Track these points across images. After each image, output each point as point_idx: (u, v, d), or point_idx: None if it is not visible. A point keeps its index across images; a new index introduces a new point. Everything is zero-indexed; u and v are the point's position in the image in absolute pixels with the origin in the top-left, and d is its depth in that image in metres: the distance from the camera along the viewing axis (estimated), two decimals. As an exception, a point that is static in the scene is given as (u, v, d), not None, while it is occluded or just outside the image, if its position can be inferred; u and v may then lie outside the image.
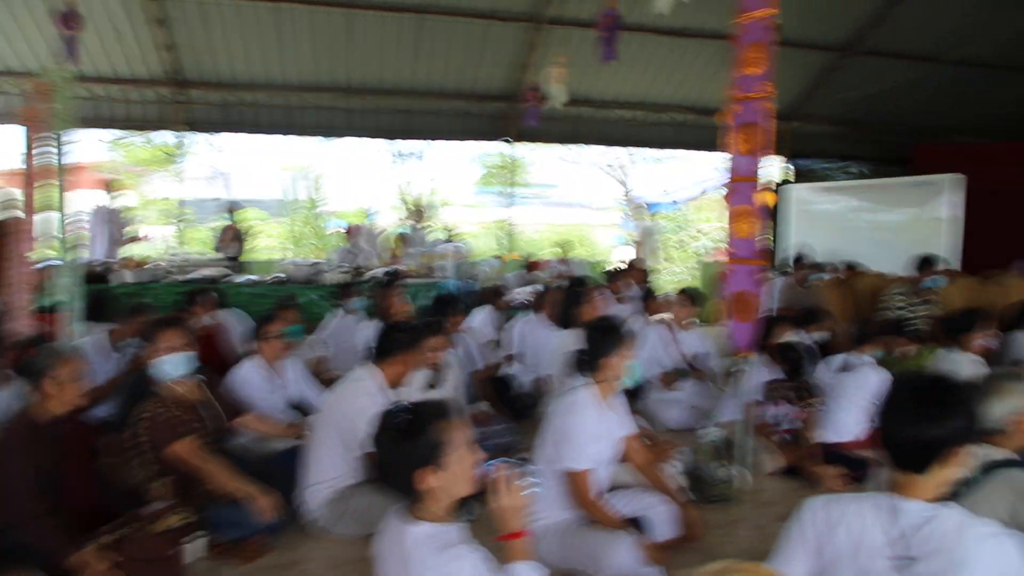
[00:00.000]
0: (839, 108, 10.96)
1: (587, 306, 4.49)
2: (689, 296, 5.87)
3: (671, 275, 14.19)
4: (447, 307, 5.09)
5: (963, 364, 4.49)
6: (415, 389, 3.78)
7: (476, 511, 3.23)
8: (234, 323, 6.04)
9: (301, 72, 9.32)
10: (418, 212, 11.15)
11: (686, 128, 11.21)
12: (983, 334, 4.82)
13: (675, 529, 3.23)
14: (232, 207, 9.38)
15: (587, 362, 3.05)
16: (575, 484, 2.93)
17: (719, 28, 8.30)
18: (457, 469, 1.92)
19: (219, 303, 6.07)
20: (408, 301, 6.16)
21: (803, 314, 5.98)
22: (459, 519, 2.03)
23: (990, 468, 2.39)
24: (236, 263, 8.67)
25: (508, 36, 9.20)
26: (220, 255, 8.62)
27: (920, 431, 1.70)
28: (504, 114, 10.47)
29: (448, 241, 10.05)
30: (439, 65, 9.52)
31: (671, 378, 5.47)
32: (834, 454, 4.33)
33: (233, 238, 9.08)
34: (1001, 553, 1.62)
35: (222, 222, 9.45)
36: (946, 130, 12.11)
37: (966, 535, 1.65)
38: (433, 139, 11.88)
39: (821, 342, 5.92)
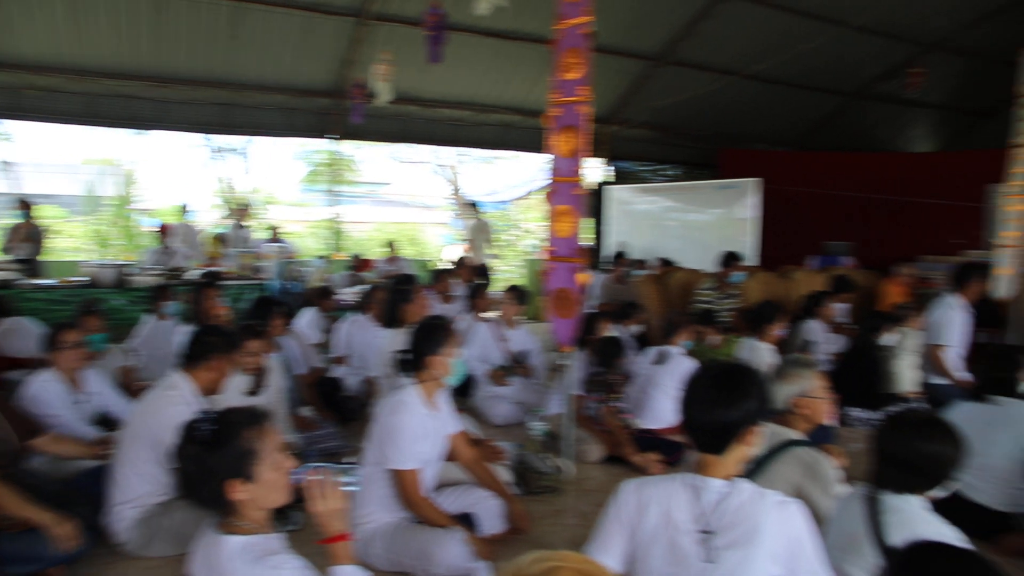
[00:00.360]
0: (654, 114, 11.62)
1: (413, 305, 4.46)
2: (516, 294, 6.00)
3: (500, 273, 14.46)
4: (268, 309, 4.87)
5: (762, 352, 4.91)
6: (232, 396, 3.59)
7: (300, 519, 3.14)
8: (27, 332, 5.47)
9: (102, 56, 8.52)
10: (240, 210, 10.60)
11: (512, 129, 11.45)
12: (779, 324, 5.31)
13: (503, 523, 3.29)
14: (25, 203, 8.45)
15: (411, 361, 3.03)
16: (402, 484, 2.91)
17: (541, 32, 8.53)
18: (269, 478, 1.83)
19: (8, 310, 5.51)
20: (226, 304, 5.85)
21: (620, 309, 6.31)
22: (280, 529, 1.95)
23: (781, 447, 2.63)
24: (30, 265, 7.84)
25: (332, 30, 8.95)
26: (10, 257, 7.78)
27: (718, 415, 1.83)
28: (329, 110, 10.18)
29: (272, 240, 9.66)
30: (258, 57, 9.08)
31: (500, 374, 5.58)
32: (651, 440, 4.60)
33: (26, 238, 8.19)
34: (788, 518, 1.79)
35: (12, 220, 8.50)
36: (746, 137, 13.22)
37: (757, 506, 1.80)
38: (254, 134, 11.31)
39: (637, 334, 6.29)
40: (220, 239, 9.31)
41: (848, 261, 9.89)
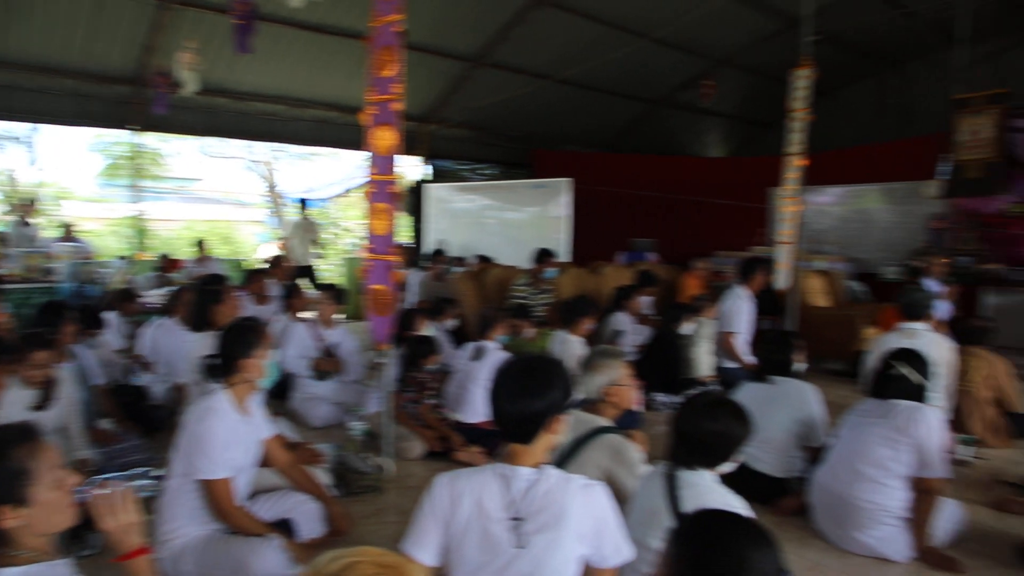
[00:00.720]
0: (471, 114, 11.82)
1: (223, 306, 4.27)
2: (333, 293, 5.91)
3: (322, 272, 14.11)
4: (58, 315, 4.46)
5: (573, 344, 5.16)
6: (13, 412, 3.27)
7: (98, 542, 2.92)
8: None
9: None
10: (24, 206, 9.58)
11: (330, 126, 11.18)
12: (591, 318, 5.61)
13: (322, 526, 3.25)
14: None
15: (221, 366, 2.91)
16: (213, 494, 2.77)
17: (357, 28, 8.41)
18: (48, 499, 1.69)
19: None
20: (8, 310, 5.30)
21: (435, 305, 6.40)
22: (71, 554, 1.81)
23: (591, 434, 2.79)
24: None
25: (131, 12, 8.27)
26: None
27: (524, 406, 1.91)
28: (129, 99, 9.41)
29: (65, 239, 8.83)
30: (43, 35, 8.22)
31: (323, 365, 5.48)
32: (472, 433, 4.71)
33: None
34: (592, 500, 1.91)
35: None
36: (559, 139, 13.77)
37: (564, 490, 1.90)
38: (39, 121, 10.22)
39: (453, 329, 6.41)
40: (1, 238, 8.39)
41: (652, 256, 10.62)
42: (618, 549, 1.93)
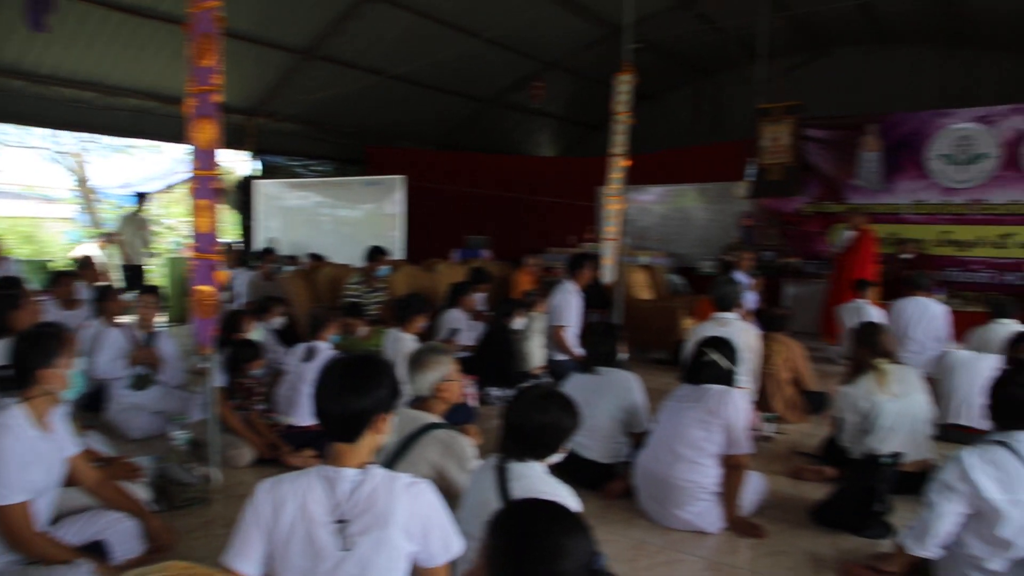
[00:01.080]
0: (303, 108, 11.45)
1: (21, 312, 3.89)
2: (153, 295, 5.53)
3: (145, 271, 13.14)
4: None
5: (406, 342, 5.15)
6: None
7: None
8: None
9: None
10: None
11: (148, 116, 10.38)
12: (425, 316, 5.61)
13: (141, 544, 3.04)
14: None
15: (14, 377, 2.63)
16: (9, 521, 2.48)
17: (176, 13, 7.89)
18: None
19: None
20: None
21: (261, 304, 6.18)
22: None
23: (421, 430, 2.79)
24: None
25: None
26: None
27: (348, 404, 1.89)
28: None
29: None
30: None
31: (140, 359, 5.12)
32: (304, 436, 4.57)
33: None
34: (417, 497, 1.91)
35: None
36: (394, 135, 13.66)
37: (389, 490, 1.89)
38: None
39: (282, 329, 6.21)
40: None
41: (486, 253, 10.79)
42: (447, 546, 1.93)
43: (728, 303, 5.12)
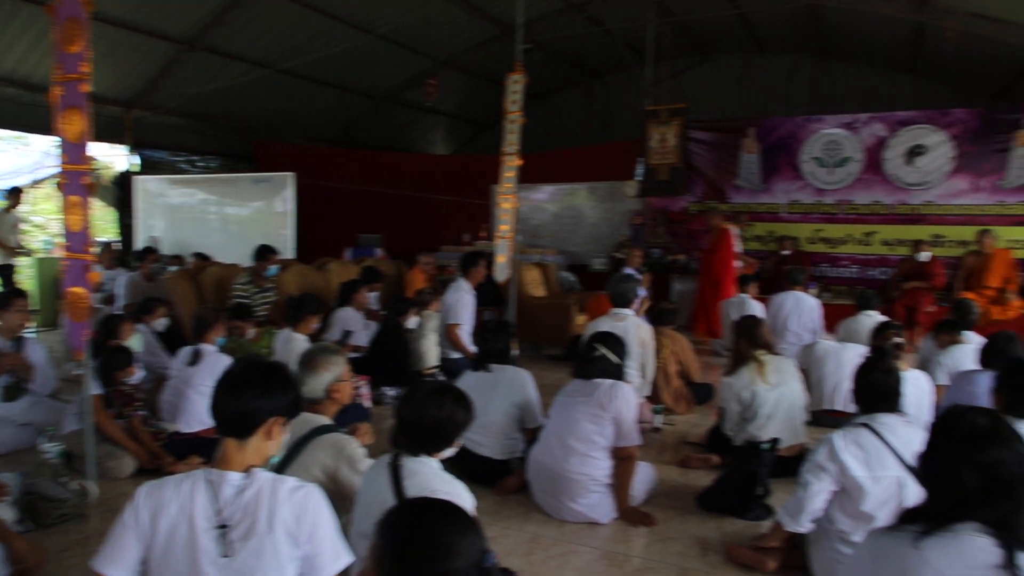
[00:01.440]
0: (186, 101, 10.92)
1: None
2: (21, 298, 5.15)
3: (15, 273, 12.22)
4: None
5: (298, 343, 5.03)
6: None
7: None
8: None
9: None
10: None
11: (9, 104, 9.65)
12: (317, 316, 5.49)
13: (6, 567, 2.84)
14: None
15: None
16: None
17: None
18: None
19: None
20: None
21: (141, 305, 5.90)
22: None
23: (312, 433, 2.74)
24: None
25: None
26: None
27: (246, 399, 1.88)
28: None
29: None
30: None
31: (8, 364, 4.75)
32: (191, 443, 4.39)
33: None
34: (303, 501, 1.86)
35: None
36: (284, 131, 13.29)
37: (273, 494, 1.84)
38: None
39: (165, 331, 5.95)
40: None
41: (379, 252, 10.67)
42: (336, 554, 1.88)
43: (625, 300, 5.29)
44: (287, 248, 10.32)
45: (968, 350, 4.83)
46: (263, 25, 9.95)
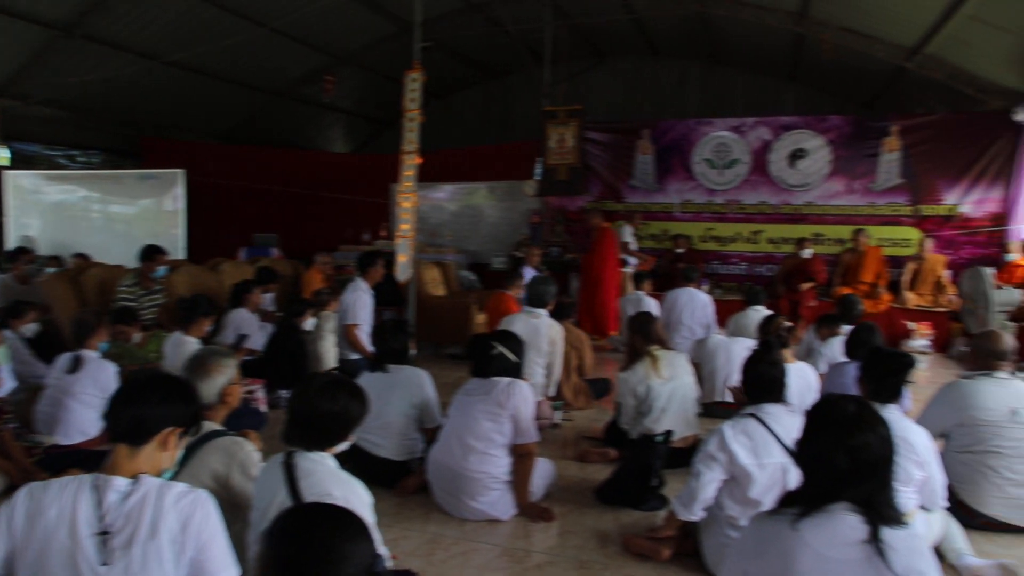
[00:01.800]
0: (64, 92, 10.27)
1: None
2: None
3: None
4: None
5: (189, 346, 4.83)
6: None
7: None
8: None
9: None
10: None
11: None
12: (210, 318, 5.30)
13: None
14: None
15: None
16: None
17: None
18: None
19: None
20: None
21: (10, 308, 5.55)
22: None
23: (202, 439, 2.65)
24: None
25: None
26: None
27: (144, 405, 1.87)
28: None
29: None
30: None
31: None
32: (71, 456, 4.15)
33: None
34: (190, 507, 1.81)
35: None
36: (173, 127, 12.74)
37: (159, 500, 1.80)
38: None
39: (36, 336, 5.61)
40: None
41: (275, 252, 10.40)
42: (225, 565, 1.84)
43: (541, 300, 5.41)
44: (177, 248, 9.92)
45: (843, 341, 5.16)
46: (149, 14, 9.49)
